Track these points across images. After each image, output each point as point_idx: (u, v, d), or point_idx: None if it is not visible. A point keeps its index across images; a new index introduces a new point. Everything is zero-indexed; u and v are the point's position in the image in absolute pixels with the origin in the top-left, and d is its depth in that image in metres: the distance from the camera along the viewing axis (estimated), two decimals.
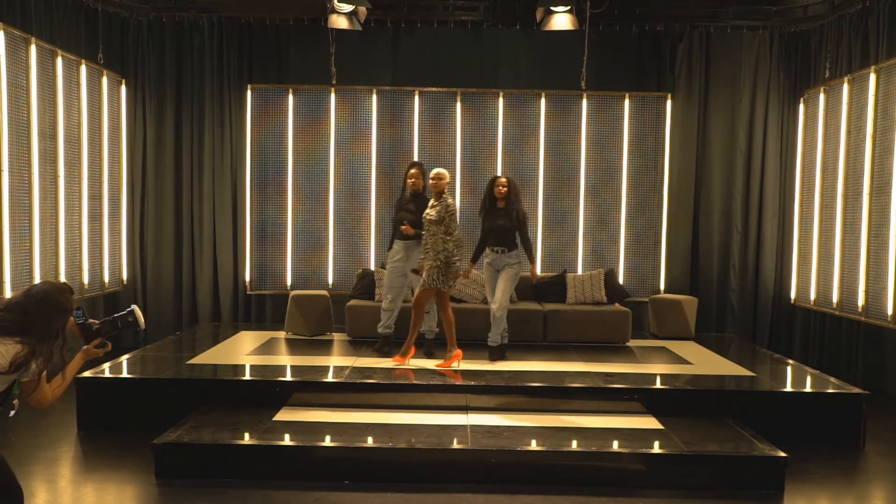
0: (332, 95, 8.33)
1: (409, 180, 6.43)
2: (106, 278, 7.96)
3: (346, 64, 8.22)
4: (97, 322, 3.04)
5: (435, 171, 6.17)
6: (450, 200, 6.03)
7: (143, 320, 3.09)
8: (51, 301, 2.73)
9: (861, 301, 6.94)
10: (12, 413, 2.77)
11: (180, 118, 8.41)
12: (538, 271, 6.36)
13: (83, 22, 7.70)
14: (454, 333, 6.06)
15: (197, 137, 8.41)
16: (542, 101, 8.37)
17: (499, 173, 7.01)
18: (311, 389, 5.46)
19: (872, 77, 6.83)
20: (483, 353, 6.36)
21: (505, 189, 6.26)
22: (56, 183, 6.99)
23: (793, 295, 8.31)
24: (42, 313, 2.69)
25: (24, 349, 2.61)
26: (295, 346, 6.82)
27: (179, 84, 8.38)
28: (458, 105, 8.35)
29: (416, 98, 8.34)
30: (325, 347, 6.74)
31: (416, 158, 8.28)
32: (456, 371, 5.84)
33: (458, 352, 6.01)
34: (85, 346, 3.00)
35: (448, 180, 6.13)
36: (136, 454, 4.72)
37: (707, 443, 4.73)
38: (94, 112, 7.68)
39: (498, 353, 6.34)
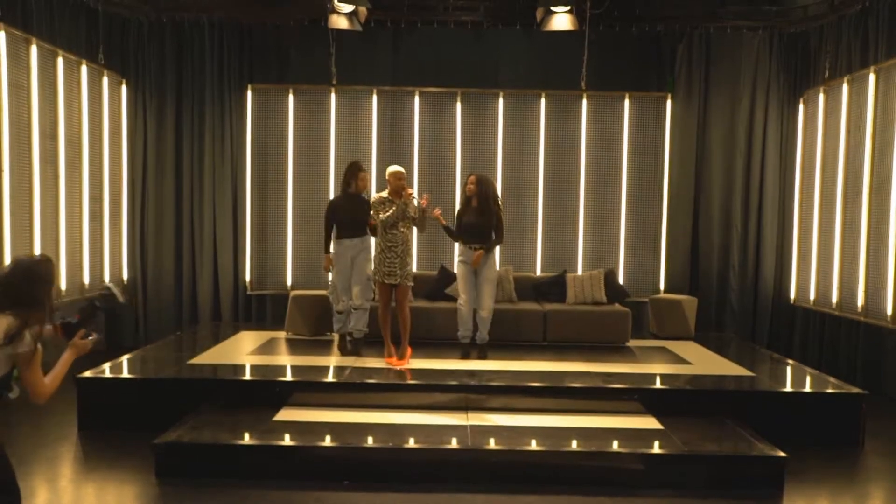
0: (333, 95, 8.34)
1: (360, 182, 6.35)
2: (106, 278, 7.95)
3: (346, 64, 8.23)
4: (75, 314, 3.02)
5: (398, 168, 6.04)
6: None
7: (121, 294, 3.07)
8: (36, 271, 2.83)
9: (860, 301, 6.95)
10: (13, 395, 2.80)
11: (181, 118, 8.41)
12: (480, 259, 6.27)
13: (84, 22, 7.70)
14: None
15: (197, 137, 8.42)
16: (543, 101, 8.38)
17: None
18: (311, 389, 5.46)
19: (872, 77, 6.83)
20: (472, 351, 6.44)
21: (473, 186, 6.32)
22: (56, 183, 7.00)
23: (792, 295, 8.32)
24: (29, 282, 2.77)
25: (17, 320, 2.68)
26: (295, 347, 6.82)
27: (180, 84, 8.38)
28: (459, 105, 8.35)
29: (417, 98, 8.35)
30: (325, 348, 6.74)
31: (415, 159, 8.33)
32: (407, 369, 5.95)
33: (410, 349, 6.20)
34: (71, 342, 2.98)
35: None
36: (137, 454, 4.72)
37: (706, 443, 4.74)
38: (94, 112, 7.69)
39: (486, 350, 6.48)
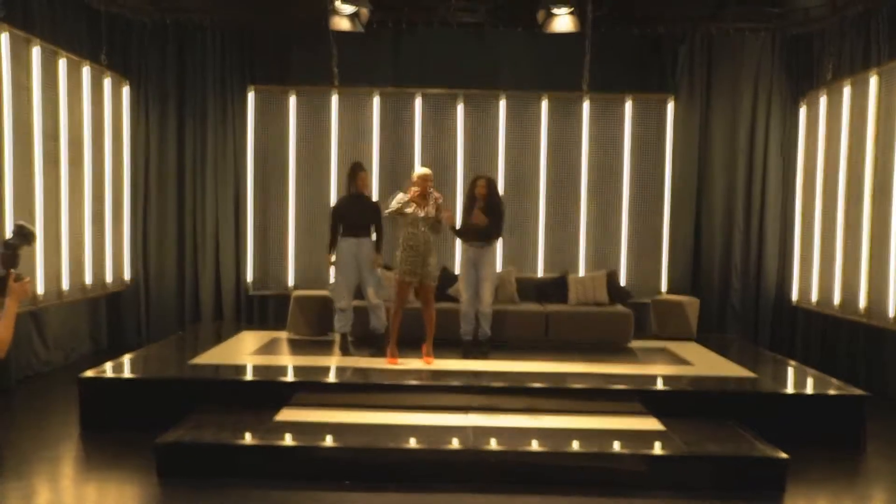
0: (334, 97, 8.34)
1: (359, 182, 6.47)
2: (108, 278, 7.97)
3: (347, 65, 8.23)
4: None
5: (426, 171, 6.20)
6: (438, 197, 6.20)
7: (32, 228, 3.02)
8: None
9: (863, 302, 6.94)
10: None
11: (183, 119, 8.42)
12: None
13: (86, 23, 7.71)
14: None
15: (199, 138, 8.43)
16: (544, 102, 8.38)
17: (480, 173, 7.08)
18: (312, 390, 5.47)
19: (874, 79, 6.83)
20: (472, 351, 6.52)
21: (484, 190, 6.54)
22: (59, 183, 7.00)
23: (794, 296, 8.31)
24: None
25: None
26: (297, 347, 6.82)
27: (182, 85, 8.39)
28: (460, 107, 8.36)
29: (418, 99, 8.35)
30: (326, 348, 6.74)
31: (416, 160, 8.33)
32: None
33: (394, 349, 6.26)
34: (8, 289, 2.94)
35: None
36: (139, 454, 4.72)
37: (708, 444, 4.73)
38: (96, 113, 7.69)
39: (488, 346, 6.65)
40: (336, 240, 6.48)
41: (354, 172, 6.49)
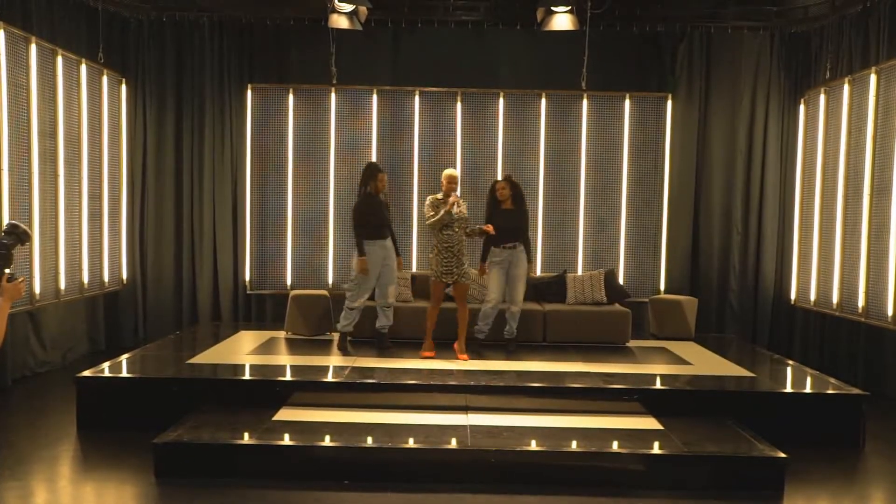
0: (333, 95, 8.33)
1: (379, 184, 6.42)
2: (106, 277, 7.95)
3: (346, 64, 8.22)
4: None
5: (450, 173, 6.34)
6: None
7: (25, 227, 3.00)
8: None
9: (861, 302, 6.94)
10: None
11: (181, 117, 8.40)
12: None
13: (84, 21, 7.69)
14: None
15: (197, 137, 8.41)
16: (543, 101, 8.37)
17: (498, 176, 7.05)
18: (311, 389, 5.46)
19: (873, 78, 6.82)
20: (486, 351, 6.48)
21: (506, 190, 6.51)
22: (56, 182, 6.98)
23: (793, 296, 8.31)
24: None
25: None
26: (295, 346, 6.81)
27: (180, 83, 8.37)
28: (459, 105, 8.35)
29: (417, 98, 8.34)
30: (325, 347, 6.73)
31: (415, 159, 8.34)
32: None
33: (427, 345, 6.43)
34: (1, 289, 2.91)
35: None
36: (136, 454, 4.72)
37: (707, 443, 4.72)
38: (94, 111, 7.67)
39: (514, 345, 6.72)
40: (363, 243, 6.32)
41: (373, 173, 6.41)
